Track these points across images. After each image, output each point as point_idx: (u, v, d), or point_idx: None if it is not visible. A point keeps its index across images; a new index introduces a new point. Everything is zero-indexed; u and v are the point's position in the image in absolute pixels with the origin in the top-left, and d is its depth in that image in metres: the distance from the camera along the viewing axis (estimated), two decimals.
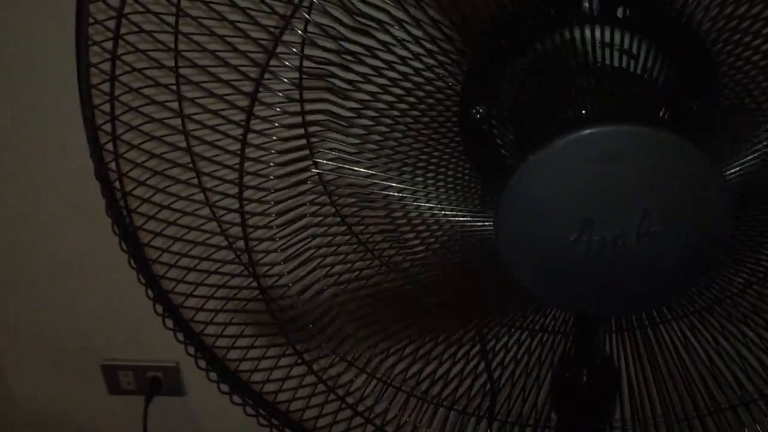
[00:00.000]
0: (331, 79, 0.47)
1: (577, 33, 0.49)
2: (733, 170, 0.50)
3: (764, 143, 0.49)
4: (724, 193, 0.44)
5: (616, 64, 0.50)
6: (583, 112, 0.47)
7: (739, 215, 0.52)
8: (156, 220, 0.55)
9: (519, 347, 0.67)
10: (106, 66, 0.49)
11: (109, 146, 0.52)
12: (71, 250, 0.95)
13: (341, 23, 0.44)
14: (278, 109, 0.47)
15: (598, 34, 0.49)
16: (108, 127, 0.51)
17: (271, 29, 0.45)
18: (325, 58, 0.46)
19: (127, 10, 0.47)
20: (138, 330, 0.97)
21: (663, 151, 0.43)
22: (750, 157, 0.50)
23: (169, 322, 0.61)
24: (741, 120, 0.50)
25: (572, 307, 0.50)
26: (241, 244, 0.56)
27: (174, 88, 0.50)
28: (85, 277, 0.97)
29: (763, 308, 0.58)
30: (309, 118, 0.51)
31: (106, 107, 0.51)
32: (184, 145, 0.54)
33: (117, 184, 0.55)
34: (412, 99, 0.50)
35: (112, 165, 0.53)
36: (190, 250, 0.57)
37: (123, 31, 0.48)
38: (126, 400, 1.05)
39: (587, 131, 0.43)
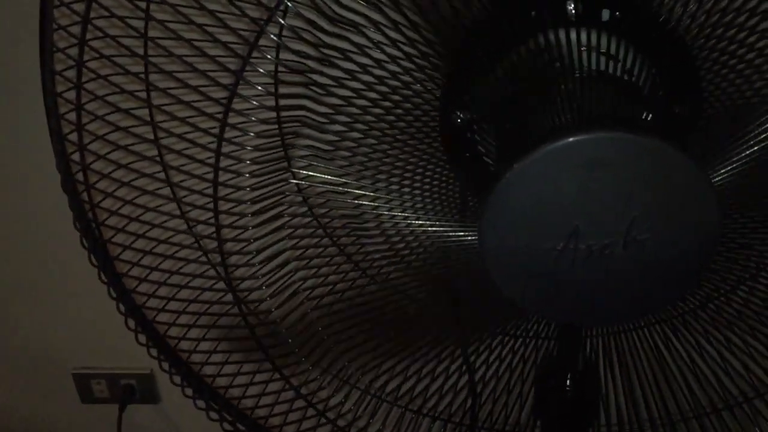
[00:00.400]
0: (308, 85, 0.45)
1: (560, 35, 0.48)
2: (720, 176, 0.49)
3: (749, 149, 0.48)
4: (711, 200, 0.43)
5: (601, 67, 0.49)
6: (569, 117, 0.46)
7: (726, 221, 0.52)
8: (126, 233, 0.53)
9: (502, 352, 0.66)
10: (72, 73, 0.47)
11: (76, 156, 0.50)
12: (41, 261, 0.92)
13: (317, 27, 0.43)
14: (253, 119, 0.46)
15: (582, 37, 0.48)
16: (75, 137, 0.49)
17: (245, 34, 0.43)
18: (301, 62, 0.44)
19: (92, 14, 0.45)
20: (110, 337, 0.95)
21: (650, 158, 0.42)
22: (735, 162, 0.49)
23: (142, 338, 0.59)
24: (724, 125, 0.49)
25: (560, 317, 0.49)
26: (216, 256, 0.54)
27: (143, 95, 0.48)
28: (55, 285, 0.94)
29: (747, 313, 0.57)
30: (285, 126, 0.49)
31: (72, 116, 0.48)
32: (154, 153, 0.52)
33: (85, 195, 0.53)
34: (388, 103, 0.49)
35: (80, 176, 0.51)
36: (160, 263, 0.55)
37: (89, 36, 0.45)
38: (99, 409, 1.04)
39: (573, 138, 0.41)
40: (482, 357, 0.66)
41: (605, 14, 0.47)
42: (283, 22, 0.42)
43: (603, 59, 0.48)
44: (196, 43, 0.43)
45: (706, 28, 0.46)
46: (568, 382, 0.58)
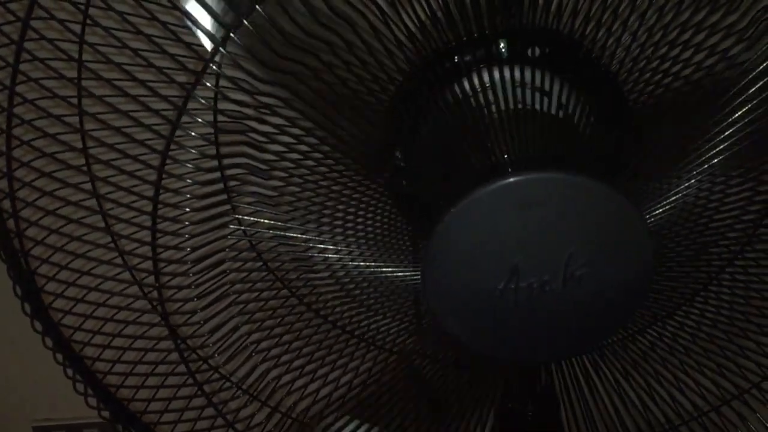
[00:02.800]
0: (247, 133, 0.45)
1: (491, 75, 0.49)
2: (655, 210, 0.51)
3: (683, 184, 0.50)
4: (644, 235, 0.45)
5: (535, 104, 0.50)
6: (503, 158, 0.47)
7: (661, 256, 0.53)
8: (57, 281, 0.52)
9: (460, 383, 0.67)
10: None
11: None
12: None
13: (254, 76, 0.43)
14: (190, 166, 0.45)
15: (514, 74, 0.49)
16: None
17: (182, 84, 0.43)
18: (240, 112, 0.44)
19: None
20: (68, 386, 0.91)
21: (582, 196, 0.43)
22: (670, 197, 0.50)
23: (81, 387, 0.58)
24: (657, 160, 0.51)
25: (505, 355, 0.50)
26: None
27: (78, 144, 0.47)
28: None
29: (682, 336, 0.59)
30: (227, 171, 0.49)
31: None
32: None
33: (17, 243, 0.51)
34: (326, 148, 0.49)
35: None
36: (95, 310, 0.54)
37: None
38: None
39: (506, 181, 0.42)
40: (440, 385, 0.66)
41: (537, 51, 0.49)
42: (219, 69, 0.42)
43: (538, 96, 0.50)
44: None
45: (640, 61, 0.47)
46: (528, 406, 0.59)
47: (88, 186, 0.49)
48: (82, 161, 0.49)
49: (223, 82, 0.44)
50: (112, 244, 0.53)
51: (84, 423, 0.96)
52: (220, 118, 0.45)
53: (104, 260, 0.51)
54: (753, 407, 0.60)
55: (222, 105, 0.44)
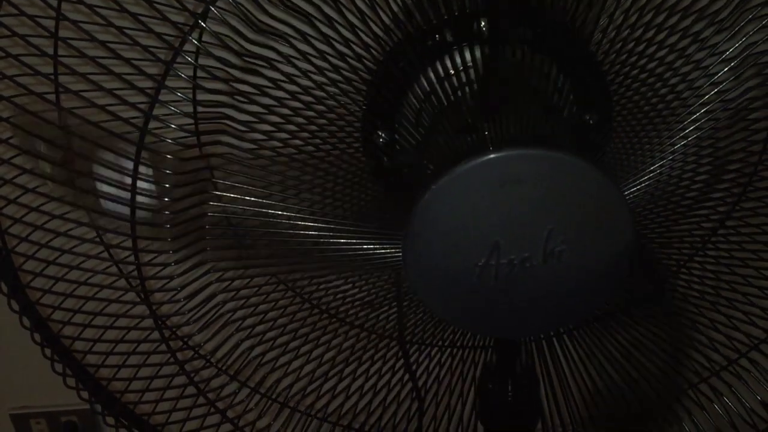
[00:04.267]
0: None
1: (472, 53, 0.50)
2: (634, 185, 0.51)
3: (659, 160, 0.50)
4: (623, 211, 0.45)
5: (514, 84, 0.50)
6: (483, 136, 0.47)
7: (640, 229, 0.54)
8: (45, 277, 0.52)
9: (441, 364, 0.67)
10: None
11: None
12: None
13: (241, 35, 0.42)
14: (170, 141, 0.45)
15: (492, 53, 0.49)
16: None
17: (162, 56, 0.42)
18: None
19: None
20: (45, 374, 0.90)
21: (562, 173, 0.43)
22: (648, 173, 0.51)
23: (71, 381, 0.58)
24: (636, 136, 0.51)
25: (486, 331, 0.50)
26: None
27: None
28: None
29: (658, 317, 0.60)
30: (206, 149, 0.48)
31: None
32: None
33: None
34: (311, 113, 0.49)
35: None
36: (84, 303, 0.54)
37: None
38: None
39: (486, 157, 0.42)
40: (423, 366, 0.67)
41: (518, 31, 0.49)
42: (204, 24, 0.42)
43: (517, 74, 0.50)
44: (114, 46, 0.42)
45: (616, 42, 0.48)
46: (507, 386, 0.59)
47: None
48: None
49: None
50: (91, 226, 0.52)
51: (62, 410, 0.96)
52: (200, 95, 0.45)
53: (85, 239, 0.50)
54: (743, 377, 0.61)
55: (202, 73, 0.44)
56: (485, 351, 0.66)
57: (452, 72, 0.50)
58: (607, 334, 0.63)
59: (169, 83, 0.43)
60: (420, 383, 0.67)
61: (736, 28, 0.45)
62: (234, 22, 0.42)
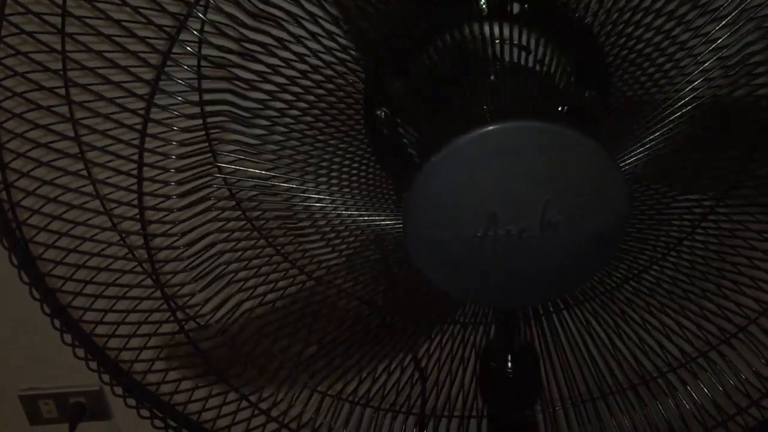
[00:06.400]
0: (231, 80, 0.45)
1: (474, 30, 0.50)
2: (630, 157, 0.52)
3: (655, 132, 0.51)
4: (619, 182, 0.46)
5: (514, 59, 0.51)
6: (482, 109, 0.47)
7: (635, 203, 0.55)
8: (56, 249, 0.53)
9: (443, 341, 0.68)
10: None
11: None
12: None
13: (238, 22, 0.43)
14: (176, 112, 0.46)
15: (495, 30, 0.50)
16: None
17: (167, 29, 0.43)
18: (224, 58, 0.45)
19: (8, 11, 0.44)
20: (55, 355, 0.92)
21: (558, 144, 0.44)
22: (645, 144, 0.52)
23: (80, 351, 0.58)
24: (634, 108, 0.52)
25: (485, 301, 0.51)
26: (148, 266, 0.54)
27: (62, 92, 0.47)
28: None
29: (659, 292, 0.61)
30: (210, 119, 0.49)
31: None
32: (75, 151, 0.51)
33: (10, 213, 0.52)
34: (311, 97, 0.50)
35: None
36: (94, 276, 0.56)
37: (3, 33, 0.45)
38: (49, 430, 1.00)
39: (485, 129, 0.43)
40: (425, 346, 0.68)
41: (516, 7, 0.49)
42: (203, 17, 0.43)
43: (516, 51, 0.51)
44: (117, 39, 0.43)
45: (613, 13, 0.48)
46: (508, 363, 0.60)
47: (71, 133, 0.49)
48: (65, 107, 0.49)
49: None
50: (97, 197, 0.53)
51: (70, 392, 0.97)
52: (204, 64, 0.46)
53: (91, 209, 0.51)
54: (739, 351, 0.62)
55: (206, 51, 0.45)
56: (486, 328, 0.67)
57: (454, 46, 0.51)
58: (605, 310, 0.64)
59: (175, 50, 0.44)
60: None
61: None
62: None
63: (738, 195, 0.56)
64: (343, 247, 0.60)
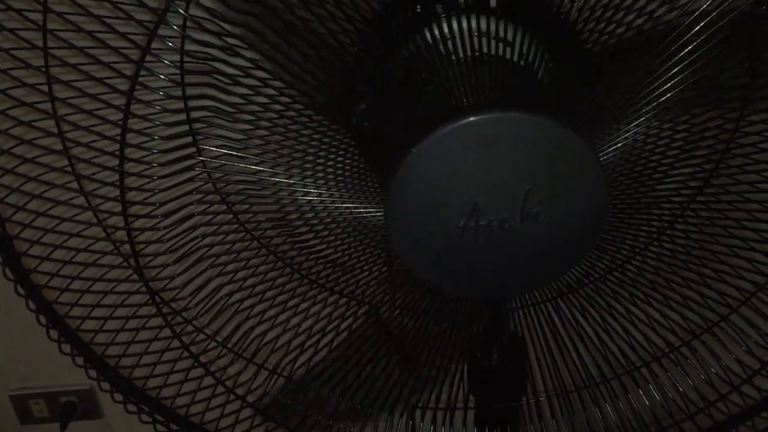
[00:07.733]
0: (213, 75, 0.46)
1: (449, 23, 0.51)
2: (610, 148, 0.52)
3: (634, 125, 0.52)
4: (598, 171, 0.46)
5: (492, 52, 0.51)
6: (463, 101, 0.48)
7: (615, 193, 0.55)
8: (42, 245, 0.53)
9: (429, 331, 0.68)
10: None
11: None
12: None
13: (218, 16, 0.43)
14: (158, 107, 0.46)
15: (474, 24, 0.51)
16: None
17: (146, 24, 0.43)
18: (206, 53, 0.45)
19: None
20: (44, 355, 0.90)
21: (538, 135, 0.45)
22: (623, 135, 0.52)
23: (67, 347, 0.59)
24: (614, 99, 0.53)
25: (467, 292, 0.51)
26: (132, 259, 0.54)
27: (45, 88, 0.47)
28: None
29: (641, 282, 0.61)
30: (193, 114, 0.50)
31: None
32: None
33: None
34: (293, 92, 0.50)
35: None
36: (81, 272, 0.56)
37: None
38: (40, 430, 1.00)
39: (464, 120, 0.44)
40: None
41: (493, 1, 0.50)
42: (184, 12, 0.43)
43: (495, 43, 0.51)
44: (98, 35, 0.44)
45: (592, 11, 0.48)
46: (495, 356, 0.61)
47: (53, 129, 0.49)
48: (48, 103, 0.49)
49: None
50: (79, 192, 0.54)
51: (61, 391, 0.97)
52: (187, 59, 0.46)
53: (73, 204, 0.52)
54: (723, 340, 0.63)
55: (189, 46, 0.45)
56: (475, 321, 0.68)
57: (433, 42, 0.52)
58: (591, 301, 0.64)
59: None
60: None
61: None
62: None
63: (716, 184, 0.56)
64: (331, 238, 0.60)
